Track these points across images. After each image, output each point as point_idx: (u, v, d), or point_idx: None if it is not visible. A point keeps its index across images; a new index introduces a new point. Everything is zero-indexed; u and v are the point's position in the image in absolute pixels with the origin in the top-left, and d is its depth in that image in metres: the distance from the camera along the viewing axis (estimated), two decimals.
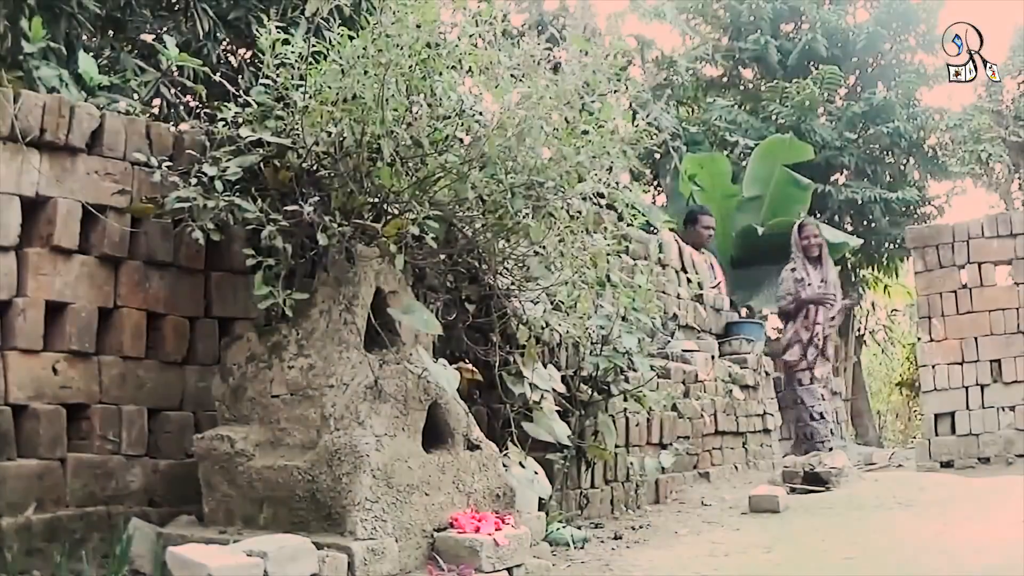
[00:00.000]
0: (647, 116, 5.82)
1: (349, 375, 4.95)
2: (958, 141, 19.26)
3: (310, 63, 5.26)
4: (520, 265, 6.19)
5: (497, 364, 6.18)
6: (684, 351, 10.00)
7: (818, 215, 17.15)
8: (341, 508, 4.56)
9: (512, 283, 6.29)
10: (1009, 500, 7.27)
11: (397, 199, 5.27)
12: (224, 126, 5.39)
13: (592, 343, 7.19)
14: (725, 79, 20.69)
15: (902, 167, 19.32)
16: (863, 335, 22.60)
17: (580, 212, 5.62)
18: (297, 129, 5.24)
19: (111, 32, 8.15)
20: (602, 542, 6.56)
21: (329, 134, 5.18)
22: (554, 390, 6.53)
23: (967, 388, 11.36)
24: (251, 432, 5.01)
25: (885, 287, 20.84)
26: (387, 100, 5.00)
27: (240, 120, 5.41)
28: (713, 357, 10.64)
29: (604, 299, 7.11)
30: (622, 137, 5.65)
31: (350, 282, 5.15)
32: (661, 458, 8.34)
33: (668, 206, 16.08)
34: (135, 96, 6.53)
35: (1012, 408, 11.43)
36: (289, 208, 5.00)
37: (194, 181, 5.12)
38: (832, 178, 18.47)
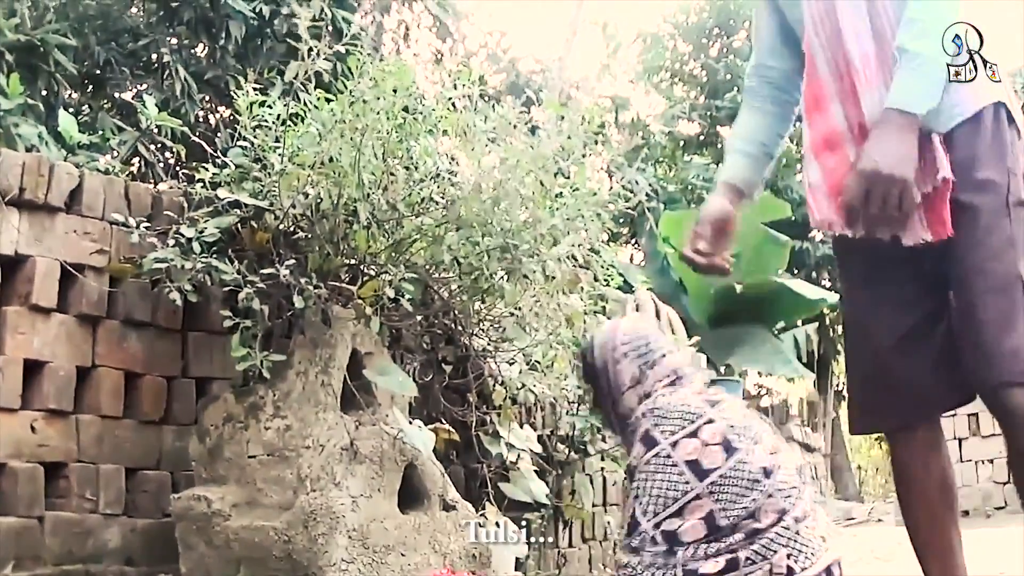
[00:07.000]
0: (622, 179, 5.87)
1: (325, 436, 4.97)
2: None
3: (287, 125, 5.30)
4: (496, 326, 6.22)
5: (474, 424, 6.18)
6: None
7: (796, 272, 17.23)
8: (317, 569, 4.57)
9: (488, 344, 6.31)
10: (988, 552, 7.28)
11: (374, 261, 5.30)
12: (202, 187, 5.40)
13: (569, 403, 7.21)
14: (702, 137, 20.88)
15: None
16: (842, 390, 22.66)
17: (555, 275, 5.66)
18: (274, 191, 5.26)
19: (90, 90, 8.24)
20: None
21: (306, 196, 5.20)
22: (531, 450, 6.53)
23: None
24: (228, 492, 5.00)
25: None
26: (364, 164, 5.04)
27: (218, 181, 5.43)
28: None
29: None
30: (597, 200, 5.70)
31: (327, 344, 5.17)
32: None
33: (646, 265, 16.14)
34: (114, 154, 6.58)
35: (991, 461, 11.50)
36: (266, 270, 5.02)
37: (172, 242, 5.13)
38: (810, 235, 18.60)
